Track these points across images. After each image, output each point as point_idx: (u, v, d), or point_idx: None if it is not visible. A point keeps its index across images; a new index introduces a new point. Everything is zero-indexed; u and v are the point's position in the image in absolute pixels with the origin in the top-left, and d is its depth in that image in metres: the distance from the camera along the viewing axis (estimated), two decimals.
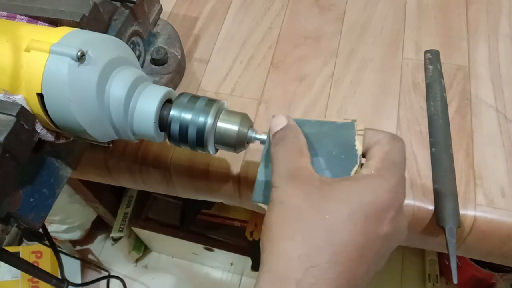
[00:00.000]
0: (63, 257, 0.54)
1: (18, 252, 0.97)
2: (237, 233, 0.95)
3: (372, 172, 0.28)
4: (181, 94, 0.34)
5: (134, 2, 0.40)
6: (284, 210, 0.27)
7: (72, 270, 1.08)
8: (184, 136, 0.33)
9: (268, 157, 0.33)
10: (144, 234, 1.01)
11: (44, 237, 0.50)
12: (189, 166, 0.46)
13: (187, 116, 0.33)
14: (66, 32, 0.31)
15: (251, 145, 0.36)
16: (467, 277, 0.93)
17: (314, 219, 0.26)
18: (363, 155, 0.31)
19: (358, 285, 0.27)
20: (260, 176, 0.33)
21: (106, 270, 1.09)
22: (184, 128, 0.33)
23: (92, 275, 1.12)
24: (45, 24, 0.34)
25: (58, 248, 0.54)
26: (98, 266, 1.11)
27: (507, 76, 0.50)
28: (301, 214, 0.27)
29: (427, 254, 1.04)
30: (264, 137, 0.34)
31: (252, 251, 0.94)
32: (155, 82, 0.46)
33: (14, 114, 0.29)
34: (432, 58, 0.51)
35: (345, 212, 0.26)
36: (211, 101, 0.34)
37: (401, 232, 0.29)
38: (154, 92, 0.33)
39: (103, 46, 0.31)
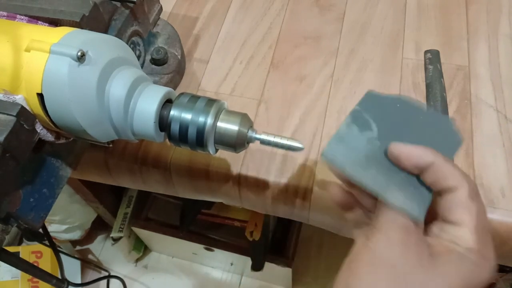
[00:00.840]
0: (63, 257, 0.54)
1: (18, 252, 0.97)
2: (237, 233, 0.94)
3: (473, 247, 0.26)
4: (181, 94, 0.34)
5: (134, 2, 0.40)
6: (394, 278, 0.25)
7: (72, 270, 1.08)
8: (184, 136, 0.33)
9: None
10: (144, 234, 1.01)
11: (44, 237, 0.50)
12: (189, 166, 0.46)
13: (187, 116, 0.33)
14: (66, 32, 0.31)
15: (251, 145, 0.36)
16: None
17: None
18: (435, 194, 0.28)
19: None
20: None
21: (106, 270, 1.09)
22: (184, 128, 0.33)
23: (92, 275, 1.11)
24: (45, 24, 0.34)
25: (58, 248, 0.54)
26: (98, 266, 1.11)
27: (507, 76, 0.50)
28: (412, 284, 0.25)
29: None
30: (264, 137, 0.35)
31: (252, 251, 0.94)
32: (155, 82, 0.46)
33: (14, 114, 0.29)
34: (432, 58, 0.51)
35: None
36: (211, 101, 0.34)
37: None
38: (154, 92, 0.33)
39: (103, 46, 0.31)
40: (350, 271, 0.26)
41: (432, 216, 0.28)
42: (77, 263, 1.09)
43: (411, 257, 0.25)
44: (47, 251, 0.97)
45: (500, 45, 0.52)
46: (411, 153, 0.27)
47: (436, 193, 0.28)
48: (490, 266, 0.26)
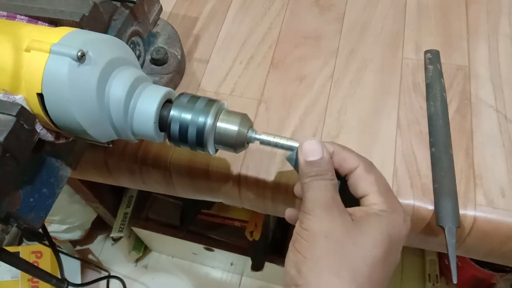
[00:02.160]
0: (63, 257, 0.54)
1: (18, 252, 0.97)
2: (237, 233, 0.95)
3: (384, 207, 0.30)
4: (181, 94, 0.34)
5: (134, 2, 0.40)
6: (330, 245, 0.29)
7: (72, 270, 1.08)
8: (184, 136, 0.33)
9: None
10: (144, 234, 1.01)
11: (44, 237, 0.50)
12: (189, 166, 0.46)
13: (187, 116, 0.33)
14: (66, 32, 0.31)
15: (251, 145, 0.36)
16: (467, 277, 0.93)
17: (358, 256, 0.28)
18: (345, 176, 0.33)
19: None
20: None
21: (106, 270, 1.09)
22: (184, 128, 0.33)
23: (92, 275, 1.12)
24: (45, 24, 0.34)
25: (58, 248, 0.54)
26: (98, 266, 1.11)
27: (507, 76, 0.50)
28: (346, 250, 0.28)
29: (427, 254, 1.04)
30: (263, 137, 0.35)
31: (252, 251, 0.94)
32: (155, 82, 0.46)
33: (14, 114, 0.29)
34: (432, 58, 0.51)
35: (381, 248, 0.29)
36: (211, 101, 0.34)
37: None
38: (154, 92, 0.33)
39: (103, 46, 0.31)
40: (294, 250, 0.30)
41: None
42: (77, 263, 1.09)
43: (338, 226, 0.29)
44: (47, 251, 0.97)
45: (500, 45, 0.52)
46: (317, 148, 0.33)
47: (346, 178, 0.33)
48: (402, 218, 0.31)
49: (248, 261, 0.95)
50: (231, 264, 1.06)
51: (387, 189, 0.32)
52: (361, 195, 0.32)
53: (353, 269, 0.28)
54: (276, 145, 0.35)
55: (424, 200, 0.42)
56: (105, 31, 0.38)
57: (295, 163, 0.34)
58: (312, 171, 0.32)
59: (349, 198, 0.32)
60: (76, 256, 1.09)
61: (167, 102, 0.34)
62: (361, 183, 0.32)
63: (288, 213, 0.37)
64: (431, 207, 0.41)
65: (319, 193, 0.31)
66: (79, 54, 0.28)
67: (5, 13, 0.33)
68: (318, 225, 0.29)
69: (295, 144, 0.34)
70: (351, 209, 0.31)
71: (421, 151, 0.45)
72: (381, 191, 0.31)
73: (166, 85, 0.48)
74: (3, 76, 0.30)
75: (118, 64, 0.32)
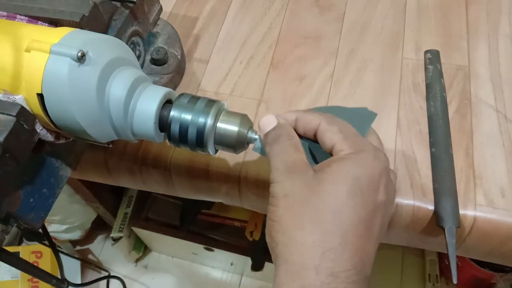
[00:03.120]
0: (63, 257, 0.54)
1: (18, 252, 0.97)
2: (237, 233, 0.95)
3: (349, 151, 0.30)
4: (181, 94, 0.34)
5: (134, 2, 0.40)
6: (290, 202, 0.29)
7: (72, 270, 1.08)
8: (184, 137, 0.33)
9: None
10: (144, 234, 1.01)
11: (44, 237, 0.50)
12: (189, 166, 0.46)
13: (187, 116, 0.33)
14: (66, 32, 0.31)
15: (251, 145, 0.36)
16: (467, 277, 0.94)
17: (319, 205, 0.28)
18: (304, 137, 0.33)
19: (370, 259, 0.28)
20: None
21: (106, 270, 1.09)
22: (184, 128, 0.33)
23: (92, 275, 1.12)
24: (45, 24, 0.33)
25: (58, 248, 0.54)
26: (98, 266, 1.12)
27: (507, 76, 0.50)
28: (305, 202, 0.28)
29: (427, 254, 1.04)
30: None
31: (252, 251, 0.94)
32: (155, 82, 0.46)
33: (14, 114, 0.29)
34: (432, 58, 0.51)
35: (343, 190, 0.28)
36: (211, 102, 0.34)
37: (394, 195, 0.31)
38: (154, 93, 0.33)
39: (103, 46, 0.31)
40: (267, 219, 0.30)
41: None
42: (77, 263, 1.09)
43: (297, 184, 0.29)
44: (47, 251, 0.97)
45: (500, 45, 0.52)
46: (270, 119, 0.33)
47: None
48: (372, 155, 0.29)
49: (248, 261, 0.95)
50: (231, 264, 1.06)
51: (354, 134, 0.31)
52: (329, 147, 0.31)
53: (314, 218, 0.27)
54: None
55: (424, 200, 0.42)
56: (105, 31, 0.38)
57: (261, 151, 0.34)
58: (269, 139, 0.32)
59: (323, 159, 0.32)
60: (76, 256, 1.09)
61: (167, 103, 0.34)
62: (326, 135, 0.31)
63: None
64: (431, 207, 0.41)
65: (279, 159, 0.31)
66: (79, 54, 0.28)
67: (5, 13, 0.33)
68: (279, 188, 0.30)
69: None
70: (317, 166, 0.31)
71: (421, 151, 0.45)
72: (346, 137, 0.30)
73: (166, 85, 0.48)
74: (3, 76, 0.30)
75: (118, 64, 0.32)
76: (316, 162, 0.33)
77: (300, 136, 0.33)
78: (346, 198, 0.27)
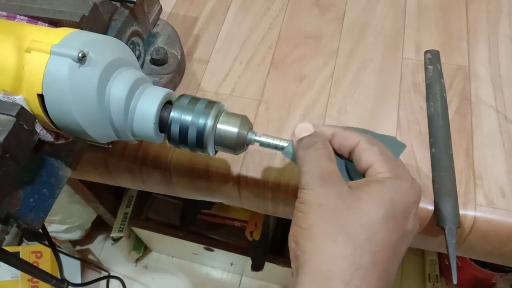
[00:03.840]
0: (63, 257, 0.54)
1: (18, 252, 0.97)
2: (237, 233, 0.95)
3: (388, 175, 0.29)
4: (181, 95, 0.34)
5: (134, 2, 0.40)
6: (323, 212, 0.28)
7: (72, 270, 1.08)
8: (184, 138, 0.33)
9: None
10: (144, 234, 1.01)
11: (44, 237, 0.50)
12: (189, 166, 0.46)
13: (187, 117, 0.33)
14: (67, 33, 0.30)
15: (250, 146, 0.36)
16: (467, 277, 0.93)
17: (354, 220, 0.28)
18: (349, 156, 0.33)
19: (391, 283, 0.28)
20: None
21: (106, 270, 1.09)
22: (184, 129, 0.33)
23: (92, 275, 1.12)
24: (45, 24, 0.33)
25: (58, 248, 0.54)
26: (98, 266, 1.12)
27: (507, 76, 0.50)
28: (340, 215, 0.28)
29: (427, 254, 1.04)
30: (263, 139, 0.35)
31: (252, 251, 0.94)
32: (155, 82, 0.46)
33: (14, 115, 0.29)
34: (432, 58, 0.51)
35: (380, 212, 0.28)
36: (211, 103, 0.34)
37: (417, 226, 0.31)
38: (154, 94, 0.33)
39: (104, 47, 0.31)
40: (293, 225, 0.30)
41: None
42: (77, 263, 1.09)
43: (332, 195, 0.29)
44: (47, 251, 0.97)
45: (500, 45, 0.52)
46: (307, 126, 0.33)
47: (350, 158, 0.33)
48: (409, 184, 0.30)
49: (248, 261, 0.95)
50: (231, 264, 1.06)
51: (392, 158, 0.31)
52: (366, 166, 0.31)
53: (348, 232, 0.27)
54: (275, 147, 0.35)
55: (424, 201, 0.42)
56: (105, 31, 0.38)
57: (292, 156, 0.34)
58: (303, 144, 0.32)
59: (355, 177, 0.32)
60: (76, 256, 1.09)
61: (167, 104, 0.34)
62: (364, 155, 0.31)
63: None
64: (431, 207, 0.41)
65: (312, 165, 0.31)
66: (80, 55, 0.28)
67: (5, 13, 0.33)
68: (312, 196, 0.29)
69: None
70: (352, 182, 0.31)
71: (421, 151, 0.45)
72: (385, 160, 0.30)
73: (166, 85, 0.48)
74: (3, 76, 0.30)
75: (118, 65, 0.32)
76: (349, 178, 0.33)
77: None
78: (381, 220, 0.28)
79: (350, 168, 0.33)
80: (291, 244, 0.29)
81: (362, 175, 0.31)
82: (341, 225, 0.28)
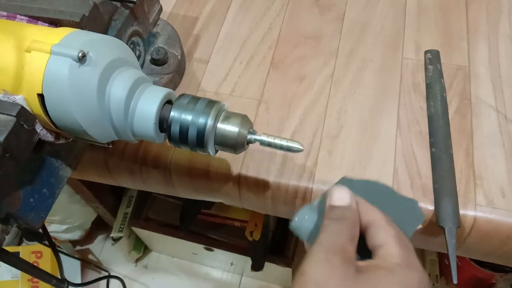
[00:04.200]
0: (63, 258, 0.54)
1: (18, 252, 0.97)
2: (237, 233, 0.94)
3: (399, 261, 0.28)
4: (181, 95, 0.34)
5: (134, 2, 0.40)
6: None
7: (72, 270, 1.08)
8: (184, 137, 0.33)
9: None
10: (144, 234, 1.01)
11: (44, 237, 0.50)
12: (189, 166, 0.46)
13: (188, 117, 0.33)
14: (67, 32, 0.30)
15: (251, 145, 0.36)
16: (467, 277, 0.93)
17: None
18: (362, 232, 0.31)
19: None
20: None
21: (106, 270, 1.09)
22: (184, 129, 0.33)
23: (92, 275, 1.11)
24: (45, 24, 0.33)
25: (58, 248, 0.54)
26: (98, 266, 1.11)
27: (507, 76, 0.50)
28: None
29: (427, 254, 1.04)
30: (263, 138, 0.35)
31: (252, 251, 0.94)
32: (155, 82, 0.46)
33: (14, 114, 0.29)
34: (432, 58, 0.51)
35: None
36: (211, 103, 0.34)
37: None
38: (154, 93, 0.33)
39: (104, 47, 0.31)
40: None
41: None
42: (77, 263, 1.09)
43: (336, 275, 0.26)
44: (47, 251, 0.97)
45: (500, 45, 0.52)
46: (346, 195, 0.31)
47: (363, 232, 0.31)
48: (418, 275, 0.27)
49: (248, 261, 0.95)
50: (231, 264, 1.06)
51: (407, 245, 0.29)
52: (378, 245, 0.29)
53: None
54: (276, 146, 0.35)
55: (424, 200, 0.42)
56: (105, 31, 0.38)
57: (305, 230, 0.32)
58: (334, 214, 0.30)
59: (362, 252, 0.30)
60: (76, 256, 1.09)
61: (168, 103, 0.34)
62: (381, 233, 0.29)
63: None
64: (431, 207, 0.41)
65: (329, 237, 0.29)
66: (80, 54, 0.28)
67: (5, 13, 0.33)
68: (314, 270, 0.27)
69: (295, 145, 0.34)
70: (362, 262, 0.29)
71: (421, 151, 0.45)
72: (401, 245, 0.29)
73: (166, 85, 0.48)
74: (3, 76, 0.30)
75: (118, 65, 0.32)
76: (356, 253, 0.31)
77: None
78: None
79: (360, 242, 0.31)
80: None
81: (370, 252, 0.30)
82: None
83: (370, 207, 0.31)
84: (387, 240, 0.29)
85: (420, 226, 0.33)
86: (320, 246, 0.28)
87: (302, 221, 0.33)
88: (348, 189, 0.31)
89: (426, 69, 0.50)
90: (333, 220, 0.30)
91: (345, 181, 0.34)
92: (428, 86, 0.49)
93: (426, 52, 0.52)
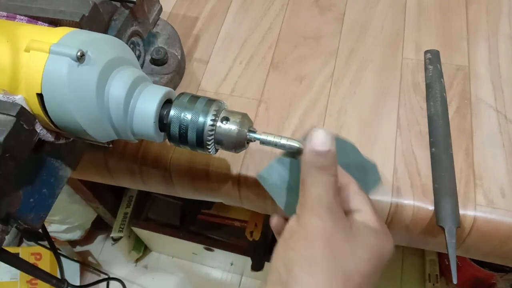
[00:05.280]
0: (62, 260, 0.54)
1: (18, 253, 0.97)
2: (237, 233, 0.95)
3: (378, 227, 0.30)
4: (181, 94, 0.34)
5: (134, 2, 0.40)
6: (329, 248, 0.27)
7: (71, 272, 1.08)
8: (184, 136, 0.33)
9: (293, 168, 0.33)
10: (144, 234, 1.01)
11: (44, 237, 0.50)
12: (189, 166, 0.46)
13: (187, 116, 0.33)
14: (66, 32, 0.30)
15: (251, 145, 0.36)
16: (467, 277, 0.94)
17: (354, 265, 0.27)
18: None
19: None
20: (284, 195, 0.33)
21: (106, 273, 1.09)
22: (184, 128, 0.33)
23: (91, 277, 1.11)
24: (44, 24, 0.33)
25: (58, 251, 0.54)
26: (96, 269, 1.11)
27: (507, 76, 0.50)
28: (343, 258, 0.27)
29: (427, 254, 1.04)
30: (263, 137, 0.34)
31: (252, 251, 0.94)
32: (155, 82, 0.46)
33: (14, 114, 0.29)
34: (432, 58, 0.51)
35: (372, 264, 0.28)
36: (210, 101, 0.34)
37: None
38: (154, 92, 0.33)
39: (103, 46, 0.31)
40: (288, 247, 0.28)
41: None
42: (76, 265, 1.08)
43: (340, 230, 0.28)
44: (47, 253, 0.97)
45: (500, 45, 0.52)
46: (327, 139, 0.30)
47: None
48: (392, 241, 0.30)
49: (248, 261, 0.95)
50: (231, 264, 1.06)
51: (377, 212, 0.31)
52: (353, 209, 0.31)
53: (346, 276, 0.27)
54: (276, 145, 0.35)
55: (424, 200, 0.42)
56: (105, 31, 0.38)
57: (271, 181, 0.32)
58: (318, 162, 0.29)
59: None
60: (75, 258, 1.09)
61: (167, 102, 0.34)
62: (356, 198, 0.31)
63: (274, 221, 0.35)
64: (431, 207, 0.41)
65: (322, 190, 0.29)
66: (79, 54, 0.28)
67: (5, 13, 0.33)
68: (320, 224, 0.28)
69: (295, 144, 0.34)
70: (348, 217, 0.30)
71: (421, 151, 0.45)
72: (374, 211, 0.31)
73: (166, 85, 0.48)
74: (2, 76, 0.30)
75: (117, 64, 0.32)
76: None
77: None
78: (371, 272, 0.28)
79: None
80: (279, 267, 0.28)
81: None
82: (342, 267, 0.27)
83: (341, 170, 0.32)
84: (363, 206, 0.31)
85: (375, 189, 0.34)
86: (316, 201, 0.29)
87: (271, 173, 0.33)
88: (329, 132, 0.30)
89: (426, 69, 0.50)
90: (318, 170, 0.29)
91: None
92: (428, 86, 0.49)
93: (426, 52, 0.52)
